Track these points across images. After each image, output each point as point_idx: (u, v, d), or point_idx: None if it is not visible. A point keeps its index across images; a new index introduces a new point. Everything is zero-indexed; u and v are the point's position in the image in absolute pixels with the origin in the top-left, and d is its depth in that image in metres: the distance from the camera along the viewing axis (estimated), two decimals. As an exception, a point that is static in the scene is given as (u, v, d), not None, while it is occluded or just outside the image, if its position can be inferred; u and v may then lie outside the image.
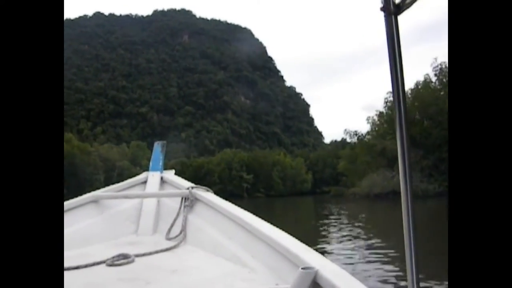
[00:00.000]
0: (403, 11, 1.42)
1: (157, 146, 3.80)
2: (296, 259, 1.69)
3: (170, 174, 3.63)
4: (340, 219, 23.28)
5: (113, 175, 70.54)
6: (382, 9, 1.39)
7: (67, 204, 2.88)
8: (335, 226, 18.20)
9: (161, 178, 3.56)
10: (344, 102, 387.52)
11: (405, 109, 1.34)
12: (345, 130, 74.37)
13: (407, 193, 1.28)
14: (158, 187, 3.45)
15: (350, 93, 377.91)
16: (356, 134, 71.74)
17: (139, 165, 76.12)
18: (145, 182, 3.53)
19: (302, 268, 1.51)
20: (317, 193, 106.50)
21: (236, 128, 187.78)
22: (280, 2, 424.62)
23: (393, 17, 1.43)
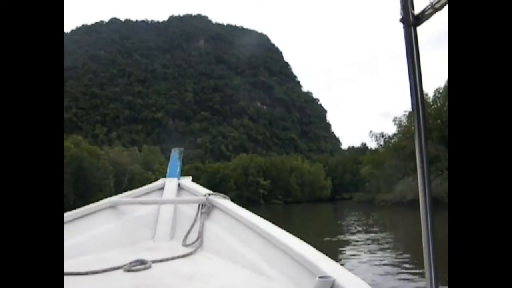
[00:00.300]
0: (422, 22, 1.43)
1: (175, 153, 3.77)
2: (313, 267, 1.68)
3: (187, 181, 3.59)
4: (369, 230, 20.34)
5: (124, 180, 67.44)
6: (401, 20, 1.39)
7: (84, 209, 2.90)
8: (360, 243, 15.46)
9: (178, 184, 3.53)
10: (360, 108, 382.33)
11: (424, 117, 1.34)
12: (370, 132, 70.51)
13: (425, 198, 1.28)
14: (175, 193, 3.43)
15: (367, 100, 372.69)
16: (382, 136, 67.77)
17: (151, 170, 72.84)
18: (162, 188, 3.50)
19: (319, 277, 1.50)
20: (337, 200, 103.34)
21: (252, 133, 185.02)
22: (297, 8, 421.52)
23: (412, 28, 1.44)
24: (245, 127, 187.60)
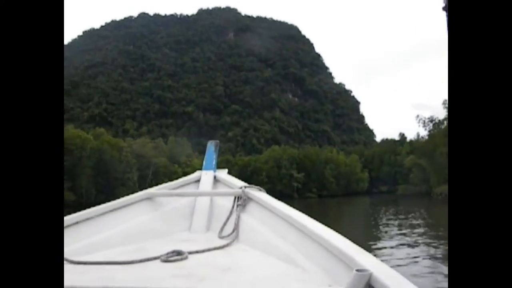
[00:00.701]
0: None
1: (210, 146, 3.79)
2: (350, 260, 1.67)
3: (223, 174, 3.60)
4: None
5: (148, 173, 62.70)
6: (445, 8, 1.37)
7: (122, 201, 2.97)
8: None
9: (214, 177, 3.54)
10: (394, 100, 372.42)
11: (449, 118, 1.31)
12: (417, 116, 63.88)
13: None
14: (211, 186, 3.46)
15: (400, 91, 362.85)
16: (431, 121, 61.39)
17: (177, 163, 68.06)
18: (198, 180, 3.53)
19: (356, 270, 1.48)
20: (374, 193, 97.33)
21: (284, 126, 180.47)
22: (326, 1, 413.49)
23: None
24: (276, 119, 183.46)
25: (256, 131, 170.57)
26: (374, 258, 1.65)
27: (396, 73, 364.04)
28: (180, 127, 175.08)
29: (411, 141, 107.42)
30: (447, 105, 46.18)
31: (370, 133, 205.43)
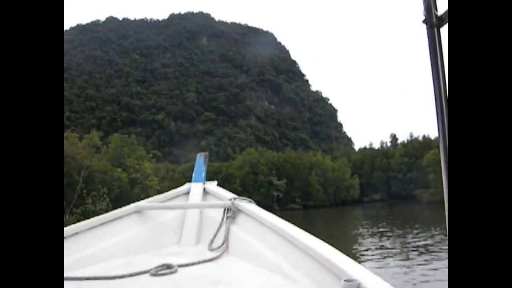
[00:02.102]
0: (445, 23, 1.41)
1: (200, 157, 3.75)
2: (339, 271, 1.67)
3: (212, 186, 3.58)
4: None
5: (78, 180, 44.83)
6: (424, 21, 1.38)
7: (111, 214, 2.92)
8: None
9: (204, 189, 3.51)
10: (371, 108, 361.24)
11: (448, 120, 1.31)
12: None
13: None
14: (201, 198, 3.42)
15: (377, 99, 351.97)
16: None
17: (122, 166, 51.87)
18: (187, 193, 3.48)
19: (344, 281, 1.51)
20: (365, 202, 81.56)
21: (260, 134, 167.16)
22: (302, 6, 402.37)
23: (435, 29, 1.43)
24: (252, 127, 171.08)
25: (230, 140, 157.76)
26: (363, 268, 1.65)
27: (375, 82, 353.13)
28: (150, 136, 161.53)
29: (403, 143, 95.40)
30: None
31: (349, 142, 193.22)
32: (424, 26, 1.31)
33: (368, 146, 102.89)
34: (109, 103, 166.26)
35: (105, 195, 44.22)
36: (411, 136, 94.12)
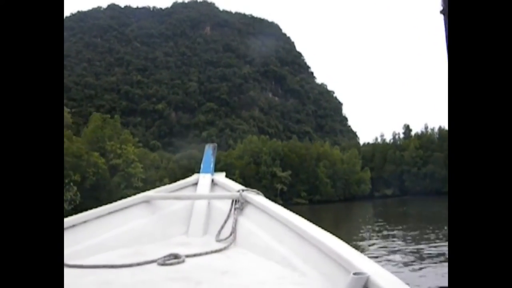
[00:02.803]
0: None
1: (208, 149, 3.70)
2: (348, 264, 1.66)
3: (221, 177, 3.54)
4: None
5: None
6: (442, 12, 1.36)
7: (119, 204, 2.92)
8: None
9: (212, 180, 3.48)
10: (377, 102, 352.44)
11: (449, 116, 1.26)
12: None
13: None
14: (209, 189, 3.39)
15: (384, 92, 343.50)
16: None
17: (101, 150, 44.50)
18: (196, 184, 3.46)
19: (353, 274, 1.49)
20: (376, 198, 73.15)
21: (263, 126, 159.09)
22: None
23: None
24: (255, 119, 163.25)
25: (232, 131, 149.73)
26: (372, 261, 1.64)
27: (380, 76, 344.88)
28: (150, 126, 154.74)
29: (417, 135, 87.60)
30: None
31: (354, 136, 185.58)
32: (441, 16, 1.26)
33: (379, 138, 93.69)
34: (108, 92, 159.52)
35: (71, 183, 37.08)
36: (426, 128, 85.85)
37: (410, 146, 78.50)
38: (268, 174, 69.62)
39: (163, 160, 71.40)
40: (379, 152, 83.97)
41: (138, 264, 2.11)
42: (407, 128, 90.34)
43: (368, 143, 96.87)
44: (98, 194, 42.44)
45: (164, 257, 2.17)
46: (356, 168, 75.54)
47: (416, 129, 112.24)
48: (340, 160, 75.91)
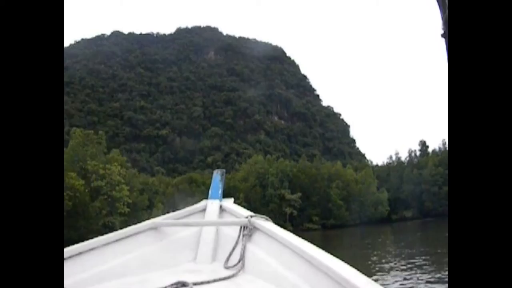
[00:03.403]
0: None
1: (217, 175, 3.67)
2: None
3: (229, 203, 3.50)
4: None
5: None
6: (443, 35, 1.36)
7: (127, 230, 2.89)
8: None
9: (220, 206, 3.44)
10: (385, 123, 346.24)
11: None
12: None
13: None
14: (217, 215, 3.36)
15: (391, 114, 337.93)
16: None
17: (80, 170, 38.83)
18: (204, 210, 3.43)
19: None
20: (394, 221, 65.74)
21: (270, 150, 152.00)
22: (311, 21, 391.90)
23: None
24: (261, 143, 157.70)
25: (238, 156, 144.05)
26: (380, 287, 1.63)
27: (386, 97, 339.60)
28: (154, 152, 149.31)
29: (435, 152, 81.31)
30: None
31: (362, 158, 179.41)
32: (443, 40, 1.25)
33: (394, 156, 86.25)
34: (111, 118, 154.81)
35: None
36: (444, 143, 78.53)
37: (428, 164, 71.77)
38: (276, 197, 63.07)
39: (161, 185, 65.51)
40: (394, 171, 77.42)
41: None
42: (424, 145, 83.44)
43: (377, 165, 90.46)
44: (74, 221, 36.99)
45: (172, 285, 2.12)
46: (371, 189, 68.67)
47: (433, 145, 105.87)
48: (354, 180, 69.24)
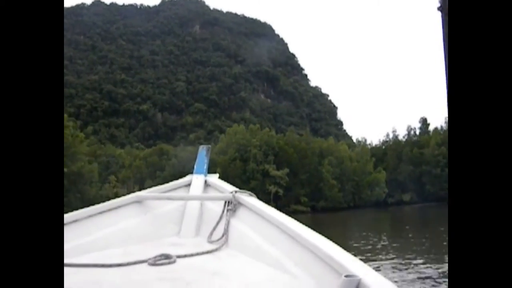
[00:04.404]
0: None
1: (202, 150, 3.68)
2: (339, 266, 1.63)
3: (214, 178, 3.51)
4: None
5: None
6: (439, 8, 1.29)
7: (111, 203, 2.89)
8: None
9: (205, 181, 3.45)
10: (373, 106, 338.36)
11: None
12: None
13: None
14: (202, 190, 3.37)
15: (379, 97, 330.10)
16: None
17: None
18: (189, 185, 3.42)
19: (345, 276, 1.46)
20: (390, 205, 57.34)
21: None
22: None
23: None
24: (246, 121, 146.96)
25: (222, 133, 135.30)
26: (364, 264, 1.61)
27: (374, 81, 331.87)
28: (134, 127, 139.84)
29: (437, 130, 73.05)
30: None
31: (349, 140, 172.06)
32: (439, 13, 1.21)
33: (391, 134, 76.36)
34: (89, 91, 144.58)
35: None
36: (447, 121, 70.36)
37: (430, 143, 63.01)
38: (259, 173, 53.67)
39: (128, 157, 56.58)
40: (391, 150, 68.42)
41: (128, 264, 2.05)
42: (424, 122, 73.87)
43: (370, 145, 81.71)
44: None
45: (155, 257, 2.12)
46: (368, 168, 59.76)
47: (434, 123, 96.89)
48: (349, 157, 60.12)
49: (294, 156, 56.07)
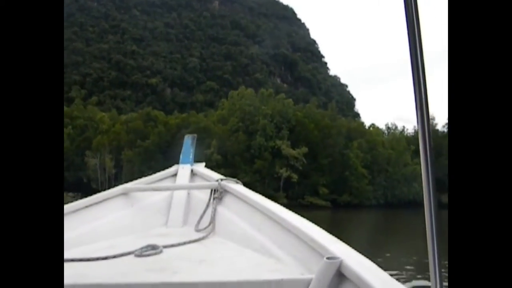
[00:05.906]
0: None
1: (188, 139, 3.68)
2: (322, 249, 1.66)
3: (200, 167, 3.52)
4: None
5: None
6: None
7: (97, 196, 2.88)
8: None
9: (191, 170, 3.46)
10: (377, 108, 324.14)
11: (427, 106, 1.14)
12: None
13: (430, 200, 1.18)
14: (189, 179, 3.37)
15: (399, 95, 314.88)
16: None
17: None
18: (175, 175, 3.44)
19: (326, 258, 1.48)
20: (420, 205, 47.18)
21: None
22: None
23: None
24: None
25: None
26: (346, 246, 1.62)
27: (398, 76, 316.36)
28: (140, 100, 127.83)
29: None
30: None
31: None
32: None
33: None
34: (98, 60, 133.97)
35: None
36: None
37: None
38: (268, 151, 40.18)
39: (109, 122, 44.83)
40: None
41: (115, 257, 2.03)
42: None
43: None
44: None
45: (142, 248, 2.10)
46: (405, 158, 46.30)
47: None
48: (381, 143, 46.59)
49: (314, 134, 42.61)
